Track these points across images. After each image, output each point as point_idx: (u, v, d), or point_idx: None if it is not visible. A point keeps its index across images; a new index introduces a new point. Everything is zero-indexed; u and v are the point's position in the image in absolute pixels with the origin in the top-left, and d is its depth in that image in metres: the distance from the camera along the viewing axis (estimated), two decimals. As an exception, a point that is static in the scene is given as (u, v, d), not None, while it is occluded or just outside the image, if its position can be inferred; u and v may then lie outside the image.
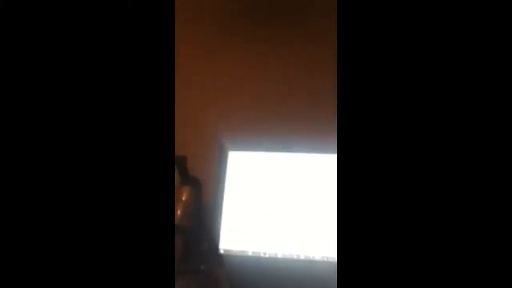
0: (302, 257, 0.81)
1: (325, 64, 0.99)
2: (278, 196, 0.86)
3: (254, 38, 1.13)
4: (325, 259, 0.81)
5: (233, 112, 1.08)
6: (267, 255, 0.82)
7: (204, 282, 0.80)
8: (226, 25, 1.14)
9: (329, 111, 0.95)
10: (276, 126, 1.01)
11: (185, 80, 0.99)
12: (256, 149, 0.91)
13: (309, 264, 0.81)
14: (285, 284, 0.80)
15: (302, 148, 0.90)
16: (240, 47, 1.13)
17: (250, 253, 0.83)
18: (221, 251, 0.82)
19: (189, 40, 1.10)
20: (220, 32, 1.14)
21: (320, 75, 1.08)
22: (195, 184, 0.86)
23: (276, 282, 0.81)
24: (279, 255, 0.82)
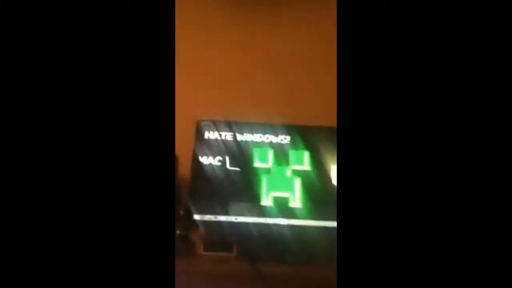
0: (272, 222, 0.90)
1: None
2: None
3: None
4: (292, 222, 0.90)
5: (209, 91, 1.14)
6: (238, 220, 0.91)
7: (181, 244, 0.88)
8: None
9: (330, 104, 1.02)
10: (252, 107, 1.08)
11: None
12: (231, 130, 0.98)
13: (279, 228, 0.90)
14: (255, 244, 0.89)
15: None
16: (226, 24, 1.18)
17: (222, 219, 0.91)
18: (195, 217, 0.90)
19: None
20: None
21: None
22: (171, 157, 0.93)
23: (248, 243, 0.89)
24: (250, 221, 0.91)
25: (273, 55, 1.20)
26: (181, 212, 0.93)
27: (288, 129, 1.00)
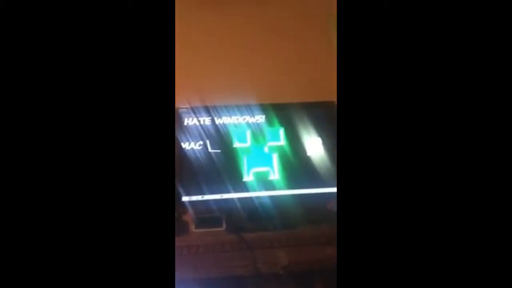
0: (255, 195, 0.98)
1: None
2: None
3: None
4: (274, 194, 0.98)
5: (185, 78, 1.18)
6: (223, 197, 0.98)
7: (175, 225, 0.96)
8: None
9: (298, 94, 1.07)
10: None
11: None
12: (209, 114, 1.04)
13: (261, 200, 0.98)
14: (241, 217, 0.97)
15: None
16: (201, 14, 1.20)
17: (209, 197, 0.98)
18: (184, 199, 0.97)
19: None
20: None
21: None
22: (155, 146, 0.99)
23: (234, 217, 0.97)
24: (235, 197, 0.98)
25: (243, 36, 1.24)
26: (170, 195, 1.00)
27: (263, 108, 1.06)
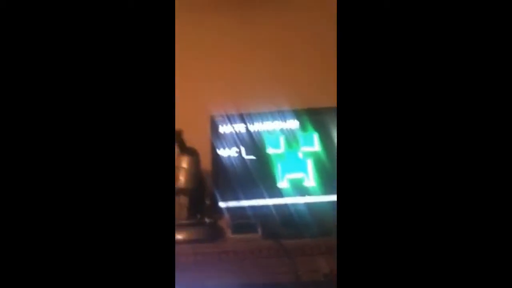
0: (290, 201, 0.98)
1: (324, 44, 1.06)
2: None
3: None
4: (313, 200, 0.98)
5: (222, 87, 1.21)
6: (259, 203, 1.00)
7: (211, 231, 0.98)
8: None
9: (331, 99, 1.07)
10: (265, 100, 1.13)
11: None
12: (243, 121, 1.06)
13: (297, 206, 0.98)
14: (277, 223, 0.98)
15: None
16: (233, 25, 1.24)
17: (245, 203, 1.00)
18: (220, 205, 1.00)
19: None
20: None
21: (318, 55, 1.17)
22: (192, 153, 1.03)
23: (270, 223, 0.98)
24: (270, 203, 0.99)
25: (274, 43, 1.25)
26: (207, 202, 1.02)
27: (296, 113, 1.06)
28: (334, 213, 0.94)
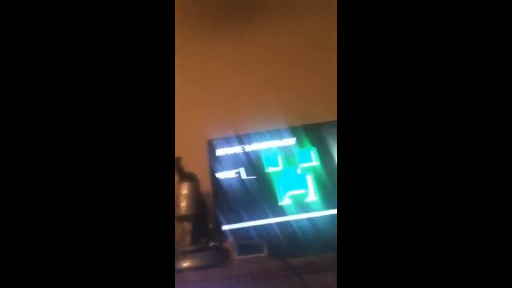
0: (293, 218, 0.98)
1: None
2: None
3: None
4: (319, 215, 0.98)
5: (214, 110, 1.23)
6: (262, 223, 0.99)
7: (216, 254, 0.98)
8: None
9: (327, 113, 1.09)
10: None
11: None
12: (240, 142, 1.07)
13: (300, 223, 0.98)
14: (282, 241, 0.97)
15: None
16: (227, 46, 1.26)
17: (248, 224, 0.99)
18: (224, 228, 0.99)
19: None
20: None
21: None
22: (192, 179, 1.03)
23: (275, 242, 0.97)
24: (273, 221, 0.99)
25: (267, 63, 1.27)
26: (211, 225, 1.02)
27: (293, 130, 1.07)
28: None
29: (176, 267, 0.93)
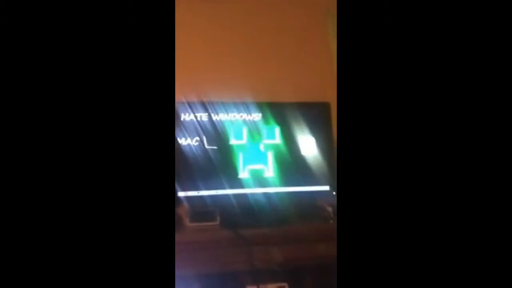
0: (250, 192, 1.00)
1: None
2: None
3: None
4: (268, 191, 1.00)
5: (183, 73, 1.19)
6: (219, 193, 1.00)
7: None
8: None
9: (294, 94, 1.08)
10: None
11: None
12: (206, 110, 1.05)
13: (256, 196, 1.00)
14: (235, 213, 0.99)
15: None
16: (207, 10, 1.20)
17: (204, 193, 1.00)
18: (179, 194, 0.99)
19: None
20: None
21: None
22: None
23: (229, 213, 0.99)
24: (230, 193, 1.00)
25: (244, 36, 1.25)
26: (166, 190, 1.01)
27: (260, 106, 1.07)
28: (291, 203, 1.00)
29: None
